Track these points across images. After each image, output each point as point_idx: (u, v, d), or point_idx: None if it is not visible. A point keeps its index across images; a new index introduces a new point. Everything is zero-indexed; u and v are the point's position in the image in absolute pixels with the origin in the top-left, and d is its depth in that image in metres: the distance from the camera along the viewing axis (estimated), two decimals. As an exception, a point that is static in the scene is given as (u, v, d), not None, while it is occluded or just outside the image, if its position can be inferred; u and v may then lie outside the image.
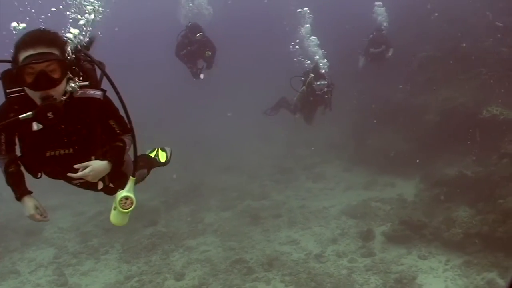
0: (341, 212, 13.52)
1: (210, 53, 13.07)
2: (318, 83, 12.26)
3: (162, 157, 5.95)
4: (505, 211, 10.15)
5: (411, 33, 17.60)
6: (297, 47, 15.22)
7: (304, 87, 12.56)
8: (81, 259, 12.29)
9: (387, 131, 16.22)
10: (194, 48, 13.05)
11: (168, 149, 6.06)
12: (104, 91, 4.06)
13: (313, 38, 15.07)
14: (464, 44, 15.30)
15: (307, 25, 15.84)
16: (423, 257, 10.68)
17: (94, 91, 3.98)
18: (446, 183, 12.56)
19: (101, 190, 4.44)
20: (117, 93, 4.02)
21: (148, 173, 5.49)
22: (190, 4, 17.99)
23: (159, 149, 6.00)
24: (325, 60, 13.86)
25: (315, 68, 12.84)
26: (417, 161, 14.19)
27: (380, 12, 16.91)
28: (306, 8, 16.16)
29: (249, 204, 14.87)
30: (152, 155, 5.89)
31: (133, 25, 32.11)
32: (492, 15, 15.39)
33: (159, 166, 5.87)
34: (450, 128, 13.91)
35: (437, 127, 14.41)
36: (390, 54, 15.82)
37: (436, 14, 17.22)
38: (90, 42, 4.36)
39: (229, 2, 21.06)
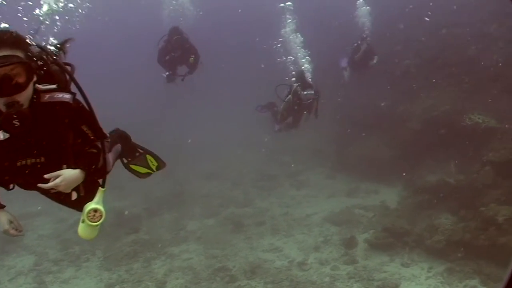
0: (324, 219, 13.51)
1: (193, 59, 13.00)
2: (305, 93, 12.19)
3: (152, 163, 5.53)
4: (487, 218, 10.19)
5: (394, 41, 17.66)
6: (279, 45, 15.21)
7: (290, 95, 12.49)
8: (61, 267, 12.15)
9: (370, 138, 16.26)
10: (178, 54, 12.99)
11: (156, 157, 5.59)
12: (73, 94, 3.82)
13: (293, 37, 15.05)
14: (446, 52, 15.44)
15: (289, 21, 15.82)
16: (405, 264, 10.68)
17: (62, 95, 3.73)
18: (428, 190, 12.61)
19: (74, 203, 4.12)
20: (85, 97, 3.81)
21: (123, 153, 5.17)
22: (174, 2, 17.92)
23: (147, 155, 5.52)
24: (308, 57, 13.85)
25: (301, 75, 12.79)
26: (404, 174, 14.21)
27: (363, 13, 16.91)
28: (290, 3, 16.13)
29: (233, 211, 14.81)
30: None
31: (115, 29, 31.94)
32: (477, 22, 15.52)
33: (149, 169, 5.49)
34: (433, 136, 13.98)
35: (420, 135, 14.47)
36: (374, 61, 15.83)
37: (411, 6, 17.33)
38: (64, 43, 4.16)
39: (201, 13, 20.91)
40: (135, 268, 11.69)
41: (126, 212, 14.74)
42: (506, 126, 12.63)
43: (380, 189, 14.88)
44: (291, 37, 15.28)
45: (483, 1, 15.87)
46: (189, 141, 16.99)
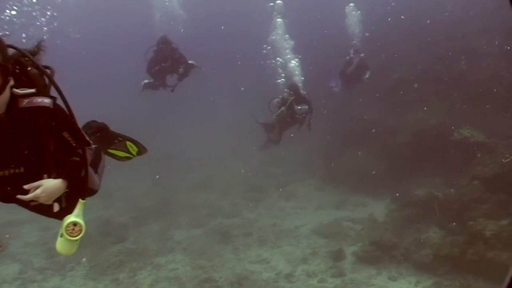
0: (312, 231, 13.46)
1: (183, 70, 12.97)
2: (300, 107, 12.19)
3: (133, 149, 5.18)
4: (474, 233, 10.20)
5: (384, 55, 17.74)
6: (269, 47, 15.20)
7: (283, 108, 12.42)
8: (46, 275, 12.03)
9: (360, 151, 16.28)
10: (168, 65, 12.94)
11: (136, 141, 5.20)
12: (53, 98, 3.55)
13: (282, 39, 15.05)
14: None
15: (279, 20, 15.80)
16: (393, 278, 10.64)
17: (41, 99, 3.47)
18: (417, 204, 12.61)
19: (56, 214, 3.85)
20: (65, 102, 3.56)
21: (102, 142, 4.80)
22: (167, 3, 17.89)
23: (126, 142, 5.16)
24: (296, 59, 13.85)
25: (295, 88, 12.76)
26: (393, 188, 14.18)
27: (353, 20, 16.92)
28: (280, 1, 16.11)
29: (220, 222, 14.71)
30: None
31: (103, 36, 31.83)
32: (466, 37, 15.64)
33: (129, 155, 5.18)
34: (422, 150, 14.02)
35: (409, 148, 14.51)
36: (367, 76, 15.83)
37: (393, 3, 17.41)
38: (38, 47, 3.74)
39: (182, 30, 20.77)
40: (121, 278, 11.58)
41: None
42: (495, 141, 12.71)
43: (368, 201, 14.86)
44: (279, 38, 15.29)
45: (473, 17, 16.00)
46: (157, 176, 16.65)
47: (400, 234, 11.99)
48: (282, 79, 13.06)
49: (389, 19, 17.85)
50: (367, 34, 16.72)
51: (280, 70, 14.07)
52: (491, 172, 11.48)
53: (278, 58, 14.51)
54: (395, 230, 12.22)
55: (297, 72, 13.60)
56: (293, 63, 13.94)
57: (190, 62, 13.08)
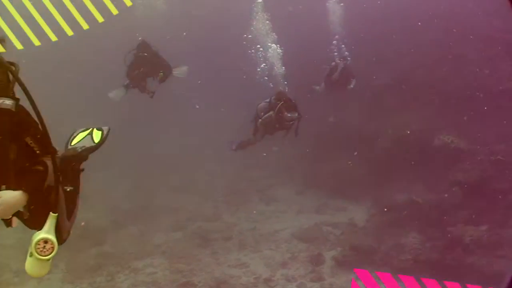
0: (292, 235, 13.41)
1: (163, 75, 12.86)
2: (290, 114, 12.13)
3: (97, 137, 4.52)
4: (454, 238, 10.23)
5: (366, 61, 17.73)
6: (250, 36, 15.14)
7: (271, 112, 12.33)
8: (23, 279, 11.82)
9: (340, 155, 16.26)
10: (148, 69, 12.83)
11: (105, 128, 4.59)
12: (16, 99, 3.26)
13: (262, 25, 15.01)
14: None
15: (260, 0, 15.74)
16: (372, 283, 10.64)
17: (2, 100, 3.17)
18: (397, 209, 12.63)
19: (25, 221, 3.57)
20: (32, 103, 3.21)
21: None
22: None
23: (94, 129, 4.60)
24: (275, 45, 13.84)
25: (283, 94, 12.68)
26: (372, 192, 14.18)
27: (336, 16, 16.88)
28: None
29: (200, 226, 14.60)
30: (85, 134, 4.56)
31: (81, 34, 31.40)
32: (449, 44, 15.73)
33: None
34: (402, 155, 14.04)
35: (390, 153, 14.52)
36: (352, 86, 15.75)
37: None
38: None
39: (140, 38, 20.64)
40: (98, 282, 11.47)
41: (83, 223, 14.37)
42: (475, 147, 12.77)
43: (348, 206, 14.83)
44: (259, 19, 15.26)
45: (456, 23, 16.09)
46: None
47: (379, 239, 12.01)
48: (263, 65, 12.98)
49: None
50: (352, 47, 16.73)
51: (262, 59, 14.03)
52: (471, 178, 11.56)
53: (258, 46, 14.46)
54: (375, 235, 12.23)
55: (277, 62, 13.56)
56: (274, 47, 13.88)
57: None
